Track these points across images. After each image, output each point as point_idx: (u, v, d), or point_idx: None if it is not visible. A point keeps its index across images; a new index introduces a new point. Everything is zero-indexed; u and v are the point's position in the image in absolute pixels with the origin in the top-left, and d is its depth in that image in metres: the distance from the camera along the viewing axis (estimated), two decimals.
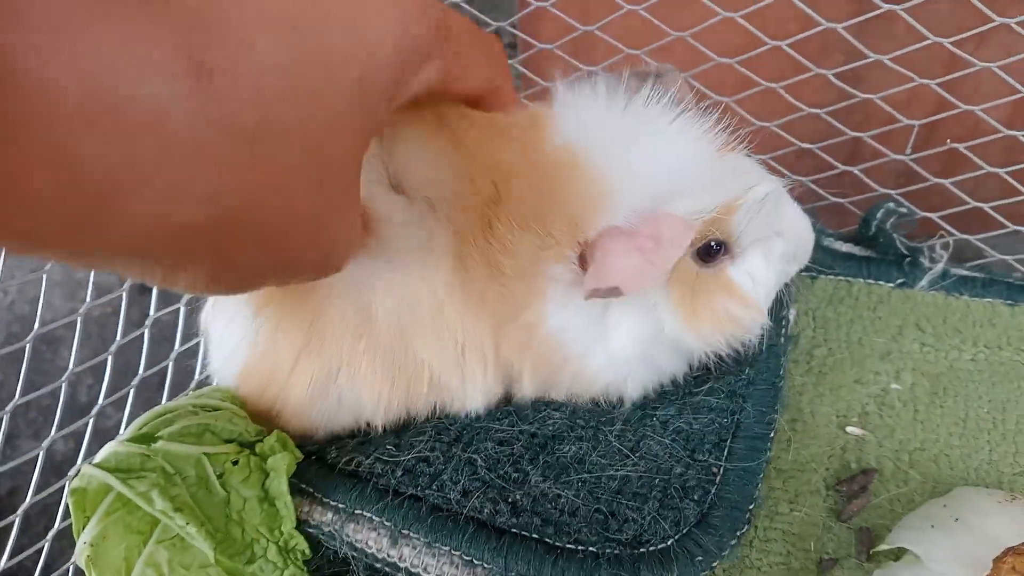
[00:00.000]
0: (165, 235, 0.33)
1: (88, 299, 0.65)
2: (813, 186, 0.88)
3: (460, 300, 0.58)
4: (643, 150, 0.56)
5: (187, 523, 0.52)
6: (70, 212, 0.29)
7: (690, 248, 0.58)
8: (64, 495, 0.64)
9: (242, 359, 0.63)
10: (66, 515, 0.64)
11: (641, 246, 0.55)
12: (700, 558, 0.52)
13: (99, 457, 0.55)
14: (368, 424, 0.64)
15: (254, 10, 0.33)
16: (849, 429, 0.72)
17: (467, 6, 0.82)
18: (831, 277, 0.84)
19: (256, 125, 0.33)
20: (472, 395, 0.63)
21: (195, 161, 0.31)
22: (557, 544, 0.53)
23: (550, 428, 0.63)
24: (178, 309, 0.77)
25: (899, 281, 0.82)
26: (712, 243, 0.59)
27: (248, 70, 0.32)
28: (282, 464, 0.59)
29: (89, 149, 0.28)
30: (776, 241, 0.62)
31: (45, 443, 0.63)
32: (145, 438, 0.57)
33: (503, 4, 0.88)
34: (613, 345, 0.61)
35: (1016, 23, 0.68)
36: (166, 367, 0.74)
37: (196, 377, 0.77)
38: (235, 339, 0.62)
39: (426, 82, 0.45)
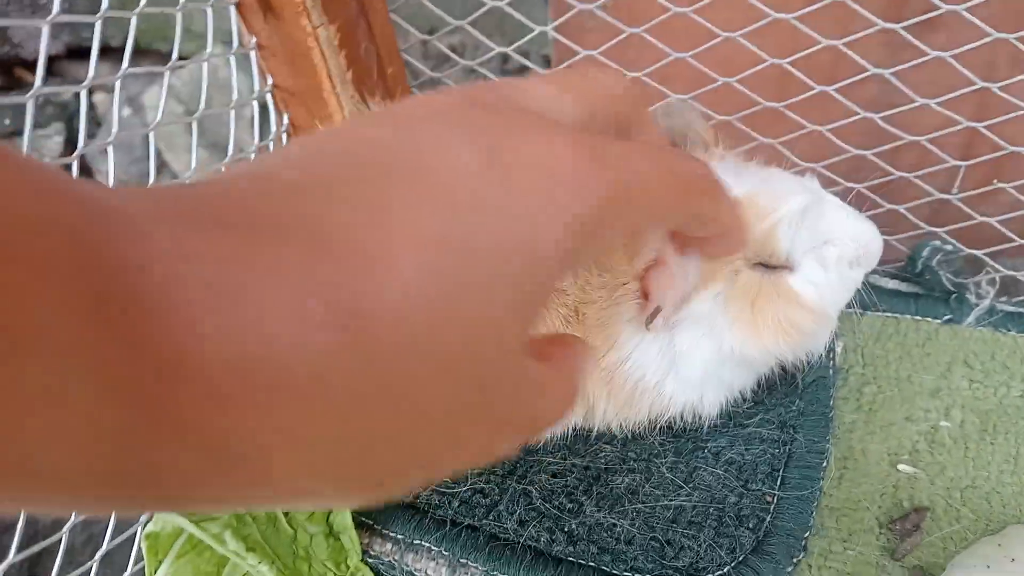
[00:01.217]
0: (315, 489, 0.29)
1: None
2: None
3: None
4: None
5: (259, 562, 0.54)
6: (220, 488, 0.26)
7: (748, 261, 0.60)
8: (136, 539, 0.65)
9: None
10: (138, 558, 0.65)
11: (666, 261, 0.57)
12: None
13: None
14: None
15: (399, 232, 0.28)
16: (900, 467, 0.72)
17: (508, 8, 0.81)
18: (878, 314, 0.84)
19: (408, 371, 0.28)
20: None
21: (350, 422, 0.27)
22: (614, 572, 0.54)
23: (602, 461, 0.64)
24: None
25: (946, 317, 0.82)
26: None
27: (396, 311, 0.27)
28: None
29: (237, 422, 0.25)
30: (828, 248, 0.63)
31: None
32: None
33: (536, 17, 0.88)
34: (684, 370, 0.63)
35: None
36: None
37: None
38: None
39: (604, 247, 0.38)
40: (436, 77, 0.92)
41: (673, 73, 0.83)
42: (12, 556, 0.54)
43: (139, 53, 1.70)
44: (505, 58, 1.22)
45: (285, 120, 0.79)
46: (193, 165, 0.65)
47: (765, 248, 0.60)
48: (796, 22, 0.73)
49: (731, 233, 0.43)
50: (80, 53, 1.91)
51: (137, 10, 0.59)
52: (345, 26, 0.72)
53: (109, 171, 0.60)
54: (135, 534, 0.63)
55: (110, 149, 0.59)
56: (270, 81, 0.76)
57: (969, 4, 0.69)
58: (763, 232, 0.60)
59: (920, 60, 0.74)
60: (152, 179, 0.65)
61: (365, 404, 0.27)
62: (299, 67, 0.73)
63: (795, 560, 0.54)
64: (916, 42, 0.74)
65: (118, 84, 0.58)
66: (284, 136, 0.80)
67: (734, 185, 0.59)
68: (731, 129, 0.86)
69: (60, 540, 0.59)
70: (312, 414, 0.26)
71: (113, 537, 0.63)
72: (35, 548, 0.56)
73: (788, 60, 0.76)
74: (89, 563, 0.60)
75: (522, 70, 0.90)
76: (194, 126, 0.67)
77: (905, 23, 0.72)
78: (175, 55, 0.64)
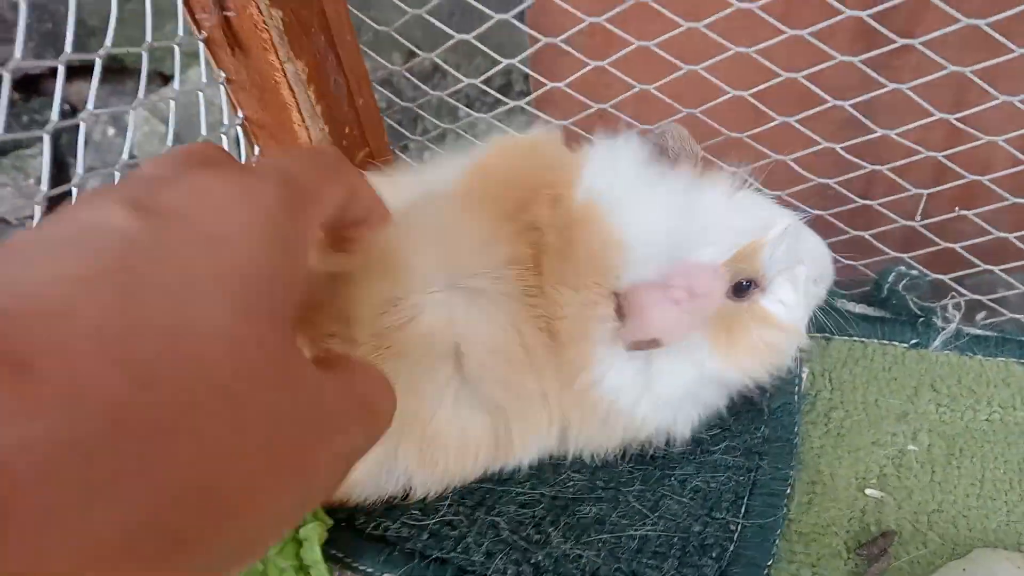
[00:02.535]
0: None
1: None
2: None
3: (543, 358, 0.61)
4: (663, 202, 0.60)
5: None
6: None
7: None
8: None
9: None
10: None
11: (676, 297, 0.59)
12: None
13: None
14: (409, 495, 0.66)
15: (64, 282, 0.29)
16: (868, 491, 0.73)
17: (477, 43, 0.83)
18: (845, 338, 0.85)
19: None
20: (531, 450, 0.65)
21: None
22: None
23: (571, 490, 0.65)
24: None
25: (913, 342, 0.83)
26: (742, 281, 0.63)
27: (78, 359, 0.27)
28: (314, 533, 0.60)
29: None
30: (799, 268, 0.66)
31: None
32: None
33: (516, 40, 0.88)
34: (660, 391, 0.64)
35: (1020, 101, 0.71)
36: None
37: None
38: None
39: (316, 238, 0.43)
40: (410, 106, 0.93)
41: (644, 102, 0.84)
42: None
43: (124, 73, 1.70)
44: (487, 81, 1.23)
45: (256, 151, 0.80)
46: None
47: (745, 267, 0.62)
48: (757, 55, 0.74)
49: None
50: (68, 73, 1.92)
51: (101, 51, 0.59)
52: (313, 61, 0.72)
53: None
54: None
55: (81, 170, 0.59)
56: (240, 114, 0.76)
57: (937, 33, 0.70)
58: (745, 252, 0.61)
59: (885, 90, 0.76)
60: None
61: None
62: (268, 101, 0.73)
63: None
64: (878, 77, 0.76)
65: (82, 126, 0.58)
66: None
67: (714, 205, 0.61)
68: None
69: None
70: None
71: None
72: None
73: (750, 92, 0.78)
74: None
75: (504, 88, 0.90)
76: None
77: (868, 55, 0.73)
78: (141, 91, 0.65)
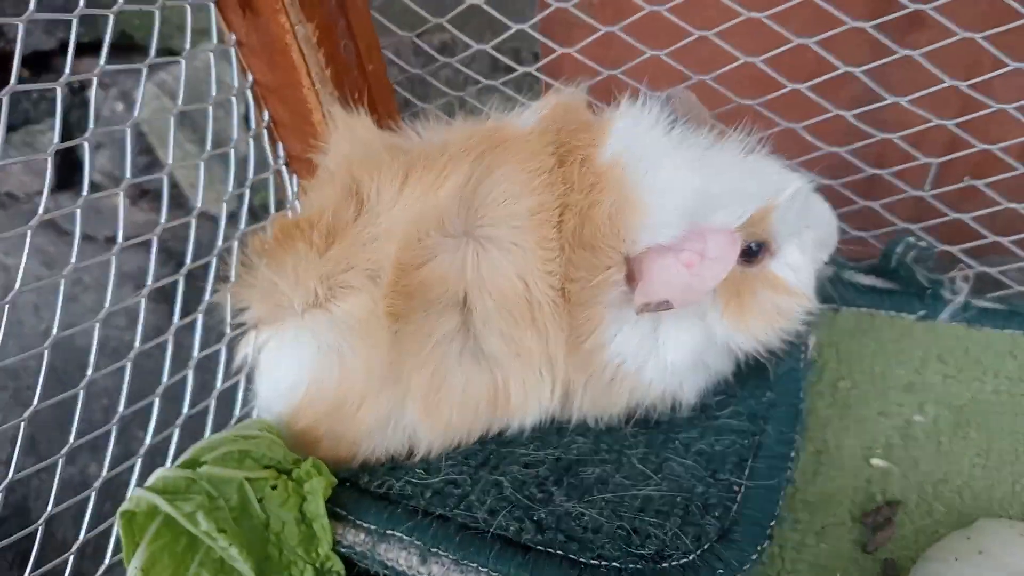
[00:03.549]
0: None
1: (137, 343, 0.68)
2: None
3: (550, 316, 0.62)
4: (679, 168, 0.61)
5: (229, 544, 0.55)
6: None
7: None
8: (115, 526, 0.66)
9: (304, 390, 0.65)
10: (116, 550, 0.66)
11: (688, 261, 0.59)
12: (721, 571, 0.53)
13: (148, 481, 0.57)
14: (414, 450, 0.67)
15: None
16: (874, 461, 0.73)
17: (487, 7, 0.83)
18: (854, 309, 0.85)
19: None
20: (532, 409, 0.66)
21: None
22: (581, 560, 0.55)
23: (574, 452, 0.65)
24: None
25: (921, 313, 0.83)
26: (752, 245, 0.63)
27: None
28: (319, 487, 0.61)
29: None
30: (807, 232, 0.67)
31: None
32: (191, 463, 0.60)
33: (524, 13, 0.89)
34: (667, 356, 0.65)
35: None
36: (208, 406, 0.76)
37: (236, 412, 0.79)
38: (295, 371, 0.65)
39: None
40: (420, 74, 0.93)
41: (655, 70, 0.84)
42: None
43: (133, 49, 1.70)
44: (496, 49, 1.23)
45: (266, 116, 0.80)
46: (170, 160, 0.65)
47: (756, 231, 0.63)
48: (768, 20, 0.73)
49: None
50: (76, 49, 1.93)
51: (115, 8, 0.60)
52: (323, 24, 0.73)
53: (85, 169, 0.61)
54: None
55: (86, 147, 0.60)
56: (250, 77, 0.77)
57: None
58: (757, 216, 0.62)
59: (894, 57, 0.75)
60: (129, 172, 0.66)
61: None
62: (277, 64, 0.73)
63: (760, 548, 0.55)
64: (891, 44, 0.75)
65: (95, 81, 0.59)
66: (266, 132, 0.81)
67: (727, 170, 0.61)
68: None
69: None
70: None
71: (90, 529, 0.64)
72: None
73: (762, 58, 0.77)
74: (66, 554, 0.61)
75: (514, 61, 0.90)
76: (171, 121, 0.67)
77: (881, 19, 0.73)
78: (152, 52, 0.65)
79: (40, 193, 0.58)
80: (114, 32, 0.61)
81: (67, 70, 0.56)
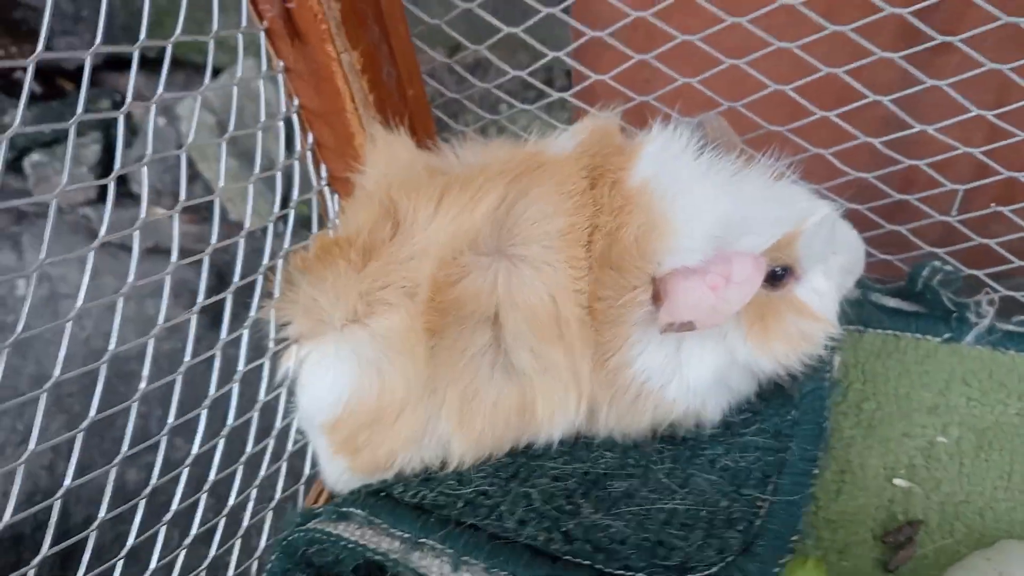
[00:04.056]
0: None
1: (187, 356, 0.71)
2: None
3: (577, 334, 0.64)
4: (707, 192, 0.63)
5: None
6: None
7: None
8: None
9: (344, 402, 0.67)
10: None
11: (713, 284, 0.61)
12: None
13: None
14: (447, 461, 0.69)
15: None
16: (896, 481, 0.74)
17: (523, 34, 0.86)
18: (879, 332, 0.86)
19: None
20: (559, 424, 0.68)
21: None
22: (607, 570, 0.56)
23: (602, 466, 0.67)
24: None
25: (946, 336, 0.84)
26: (777, 269, 0.65)
27: None
28: None
29: None
30: (834, 258, 0.68)
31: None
32: None
33: (558, 35, 0.91)
34: (690, 375, 0.66)
35: None
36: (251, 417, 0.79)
37: (277, 424, 0.82)
38: (335, 384, 0.67)
39: None
40: (456, 97, 0.96)
41: (687, 95, 0.86)
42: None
43: (175, 64, 1.76)
44: (529, 75, 1.24)
45: (310, 138, 0.83)
46: (221, 182, 0.69)
47: (782, 256, 0.64)
48: (798, 51, 0.75)
49: None
50: (118, 64, 1.99)
51: (173, 39, 0.64)
52: (367, 51, 0.76)
53: (143, 187, 0.64)
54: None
55: (144, 170, 0.63)
56: (296, 101, 0.80)
57: (977, 31, 0.71)
58: (783, 241, 0.64)
59: (922, 87, 0.77)
60: (184, 190, 0.69)
61: None
62: (323, 90, 0.77)
63: (782, 562, 0.57)
64: (918, 74, 0.76)
65: (153, 108, 0.62)
66: (309, 153, 0.84)
67: (755, 195, 0.63)
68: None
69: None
70: None
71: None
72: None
73: (791, 86, 0.79)
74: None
75: (547, 84, 0.92)
76: (223, 146, 0.71)
77: (908, 51, 0.75)
78: (207, 78, 0.69)
79: (83, 204, 0.61)
80: (155, 49, 0.64)
81: (126, 104, 0.59)
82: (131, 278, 0.60)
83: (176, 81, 1.79)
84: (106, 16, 0.58)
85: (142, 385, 0.62)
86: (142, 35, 0.60)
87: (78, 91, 1.83)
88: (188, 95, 0.70)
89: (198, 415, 0.69)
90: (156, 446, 0.68)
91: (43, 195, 0.54)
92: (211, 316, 0.74)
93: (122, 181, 1.72)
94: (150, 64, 0.71)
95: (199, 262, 0.70)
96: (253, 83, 0.78)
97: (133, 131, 1.86)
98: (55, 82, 1.97)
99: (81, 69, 0.56)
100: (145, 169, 0.62)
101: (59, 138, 1.92)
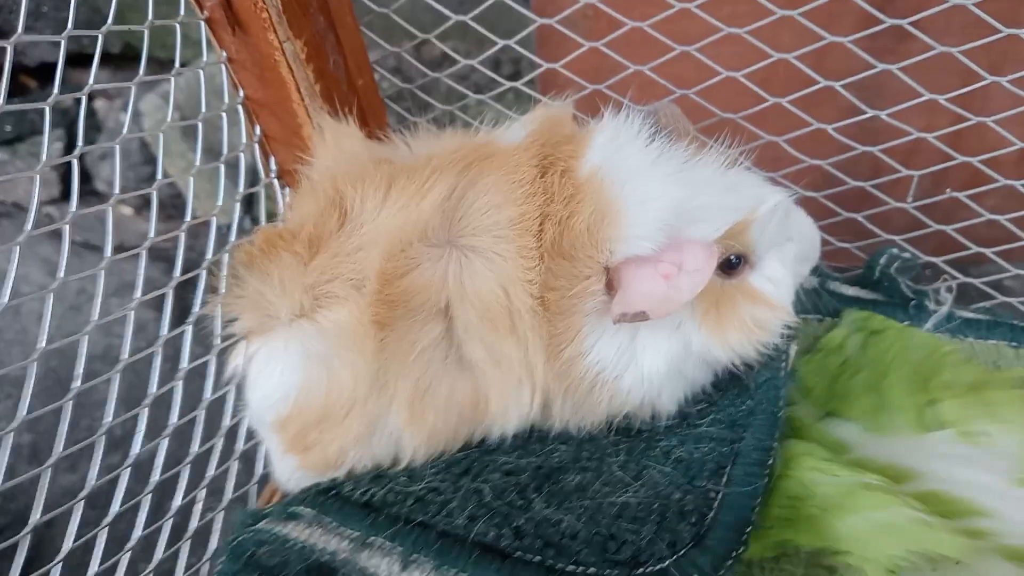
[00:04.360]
0: None
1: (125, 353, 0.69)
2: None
3: (530, 325, 0.63)
4: (658, 180, 0.62)
5: None
6: None
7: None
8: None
9: (293, 399, 0.66)
10: None
11: (665, 272, 0.60)
12: None
13: None
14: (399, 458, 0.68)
15: None
16: None
17: (477, 26, 0.85)
18: (837, 320, 0.86)
19: None
20: (512, 417, 0.66)
21: None
22: (558, 566, 0.55)
23: (556, 460, 0.66)
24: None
25: (905, 323, 0.84)
26: (732, 257, 0.64)
27: None
28: None
29: None
30: (788, 245, 0.67)
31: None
32: None
33: (513, 25, 0.90)
34: (644, 365, 0.65)
35: (1008, 80, 0.71)
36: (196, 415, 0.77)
37: (226, 423, 0.80)
38: (284, 380, 0.66)
39: None
40: (416, 91, 0.94)
41: (641, 84, 0.85)
42: None
43: (138, 60, 1.73)
44: (497, 62, 1.22)
45: (258, 130, 0.82)
46: (164, 171, 0.67)
47: (735, 244, 0.63)
48: (749, 36, 0.75)
49: None
50: (80, 60, 1.95)
51: (103, 29, 0.62)
52: (312, 40, 0.74)
53: (115, 177, 0.62)
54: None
55: (116, 155, 0.61)
56: (241, 93, 0.78)
57: (931, 11, 0.70)
58: (736, 229, 0.63)
59: (876, 70, 0.76)
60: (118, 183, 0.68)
61: None
62: (267, 80, 0.75)
63: (734, 554, 0.56)
64: (871, 59, 0.76)
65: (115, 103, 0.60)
66: (257, 145, 0.82)
67: (706, 182, 0.62)
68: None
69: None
70: None
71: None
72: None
73: (742, 73, 0.78)
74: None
75: (514, 75, 0.91)
76: (160, 138, 0.69)
77: (862, 33, 0.74)
78: (141, 70, 0.67)
79: (47, 203, 0.60)
80: (119, 44, 0.63)
81: (55, 90, 0.58)
82: (61, 273, 0.58)
83: (134, 75, 1.75)
84: (67, 13, 0.57)
85: (75, 384, 0.60)
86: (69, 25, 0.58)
87: (41, 88, 1.82)
88: (124, 85, 0.68)
89: (137, 414, 0.67)
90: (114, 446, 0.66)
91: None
92: (178, 316, 0.72)
93: (86, 179, 1.68)
94: (114, 60, 0.70)
95: (163, 259, 0.68)
96: (218, 77, 0.77)
97: (97, 128, 1.83)
98: (18, 79, 1.94)
99: (43, 65, 0.55)
100: (75, 162, 0.59)
101: (21, 136, 1.89)
